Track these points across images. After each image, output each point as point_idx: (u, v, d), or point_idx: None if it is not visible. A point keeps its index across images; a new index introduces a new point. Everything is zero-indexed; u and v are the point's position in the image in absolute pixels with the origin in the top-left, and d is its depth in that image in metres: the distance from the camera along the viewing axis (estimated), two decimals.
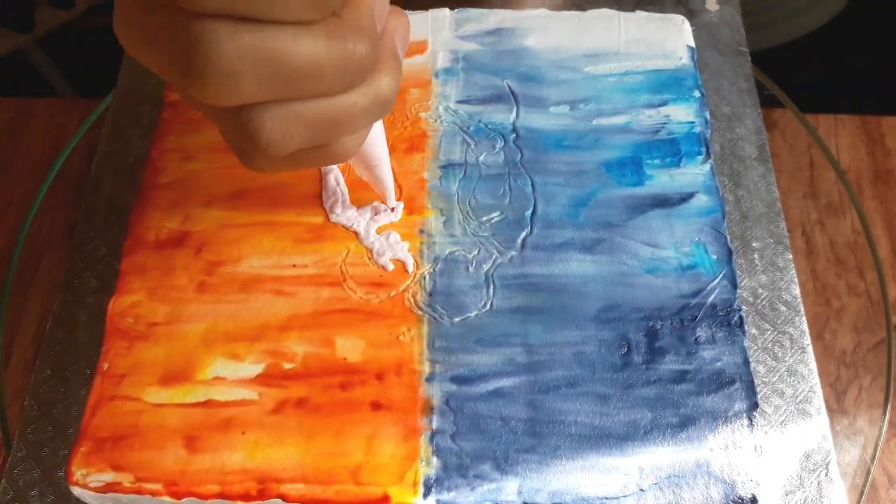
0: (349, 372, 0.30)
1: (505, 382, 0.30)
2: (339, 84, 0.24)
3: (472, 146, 0.36)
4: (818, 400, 0.35)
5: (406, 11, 0.40)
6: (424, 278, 0.33)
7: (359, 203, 0.34)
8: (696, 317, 0.31)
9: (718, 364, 0.30)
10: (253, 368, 0.30)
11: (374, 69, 0.25)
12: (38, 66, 0.70)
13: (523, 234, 0.34)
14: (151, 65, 0.23)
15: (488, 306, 0.32)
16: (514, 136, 0.36)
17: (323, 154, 0.26)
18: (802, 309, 0.37)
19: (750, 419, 0.29)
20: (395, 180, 0.35)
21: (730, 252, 0.33)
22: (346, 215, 0.34)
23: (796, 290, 0.38)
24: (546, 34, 0.39)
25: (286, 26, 0.22)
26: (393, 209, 0.34)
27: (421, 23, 0.40)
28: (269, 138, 0.24)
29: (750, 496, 0.28)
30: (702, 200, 0.34)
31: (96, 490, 0.28)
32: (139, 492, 0.28)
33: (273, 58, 0.22)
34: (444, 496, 0.28)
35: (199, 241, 0.33)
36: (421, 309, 0.32)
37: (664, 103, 0.37)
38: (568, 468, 0.28)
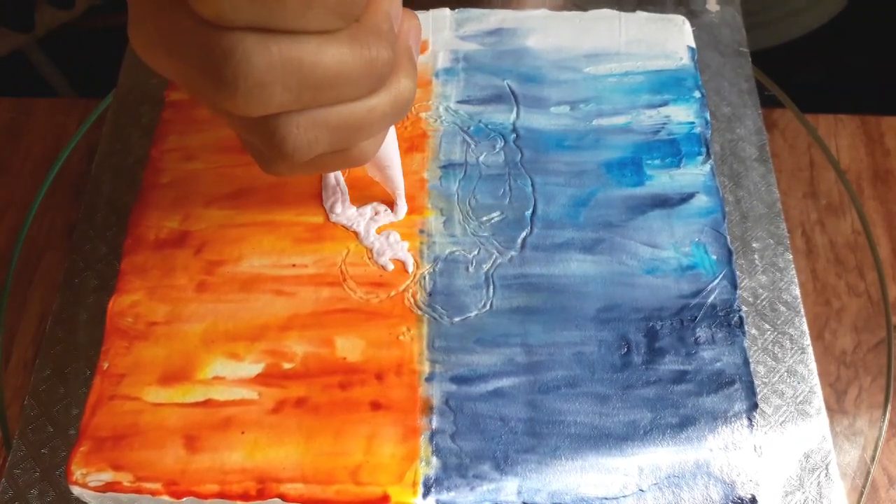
0: (349, 372, 0.30)
1: (505, 382, 0.30)
2: (364, 89, 0.24)
3: (473, 146, 0.36)
4: (818, 400, 0.35)
5: None
6: (424, 278, 0.33)
7: (359, 203, 0.34)
8: (696, 317, 0.31)
9: (718, 364, 0.30)
10: (252, 368, 0.30)
11: (392, 72, 0.25)
12: (38, 66, 0.70)
13: (523, 234, 0.34)
14: (171, 74, 0.23)
15: (488, 306, 0.32)
16: (514, 136, 0.36)
17: (342, 158, 0.27)
18: (802, 309, 0.37)
19: (749, 419, 0.29)
20: None
21: (730, 252, 0.33)
22: (346, 215, 0.34)
23: (796, 291, 0.38)
24: (546, 34, 0.39)
25: (311, 36, 0.22)
26: (398, 207, 0.34)
27: (421, 23, 0.40)
28: (294, 145, 0.24)
29: (749, 496, 0.28)
30: (702, 201, 0.34)
31: (96, 489, 0.28)
32: (139, 491, 0.28)
33: (301, 67, 0.22)
34: (444, 496, 0.28)
35: (199, 241, 0.33)
36: (421, 309, 0.32)
37: (664, 104, 0.37)
38: (567, 468, 0.28)
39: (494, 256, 0.33)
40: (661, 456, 0.29)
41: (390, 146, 0.31)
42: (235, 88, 0.21)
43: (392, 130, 0.31)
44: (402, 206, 0.34)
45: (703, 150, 0.36)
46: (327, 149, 0.25)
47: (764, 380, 0.35)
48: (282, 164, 0.26)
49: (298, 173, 0.27)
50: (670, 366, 0.30)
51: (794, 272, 0.38)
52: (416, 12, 0.39)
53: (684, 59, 0.38)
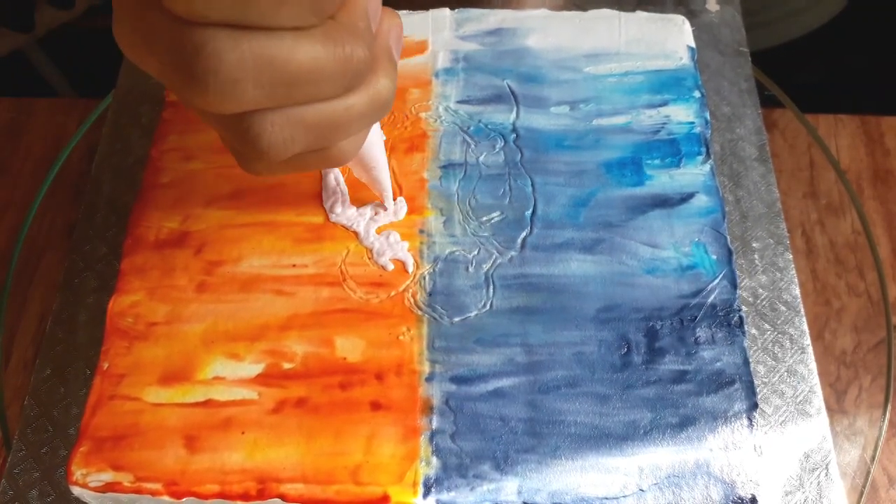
0: (349, 372, 0.30)
1: (505, 382, 0.30)
2: (339, 88, 0.24)
3: (473, 146, 0.36)
4: (818, 400, 0.35)
5: (407, 11, 0.40)
6: (424, 278, 0.33)
7: (359, 203, 0.34)
8: (696, 317, 0.31)
9: (718, 364, 0.30)
10: (252, 368, 0.30)
11: (370, 71, 0.25)
12: (38, 66, 0.70)
13: (523, 234, 0.34)
14: (152, 71, 0.23)
15: (488, 306, 0.32)
16: (514, 136, 0.36)
17: (322, 157, 0.26)
18: (802, 309, 0.37)
19: (750, 419, 0.29)
20: (395, 180, 0.35)
21: (730, 252, 0.33)
22: (346, 215, 0.34)
23: (796, 291, 0.38)
24: (546, 34, 0.39)
25: (284, 32, 0.22)
26: (386, 210, 0.34)
27: (421, 23, 0.40)
28: (269, 143, 0.24)
29: (749, 496, 0.28)
30: (702, 201, 0.34)
31: (96, 490, 0.28)
32: (139, 491, 0.28)
33: (273, 64, 0.22)
34: (444, 496, 0.28)
35: (199, 241, 0.33)
36: (421, 309, 0.32)
37: (664, 103, 0.37)
38: (568, 468, 0.28)
39: (494, 256, 0.33)
40: (661, 456, 0.29)
41: (376, 147, 0.31)
42: (206, 85, 0.21)
43: (377, 131, 0.31)
44: (391, 207, 0.34)
45: (703, 149, 0.36)
46: (304, 147, 0.25)
47: (764, 380, 0.35)
48: (258, 162, 0.26)
49: (278, 172, 0.27)
50: (670, 366, 0.30)
51: (794, 272, 0.38)
52: (415, 12, 0.40)
53: (684, 59, 0.38)
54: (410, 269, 0.33)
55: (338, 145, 0.26)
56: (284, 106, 0.23)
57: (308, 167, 0.27)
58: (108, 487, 0.28)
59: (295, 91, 0.23)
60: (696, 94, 0.37)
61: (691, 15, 0.45)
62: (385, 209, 0.34)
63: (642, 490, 0.28)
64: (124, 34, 0.23)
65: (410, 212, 0.34)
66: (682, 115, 0.37)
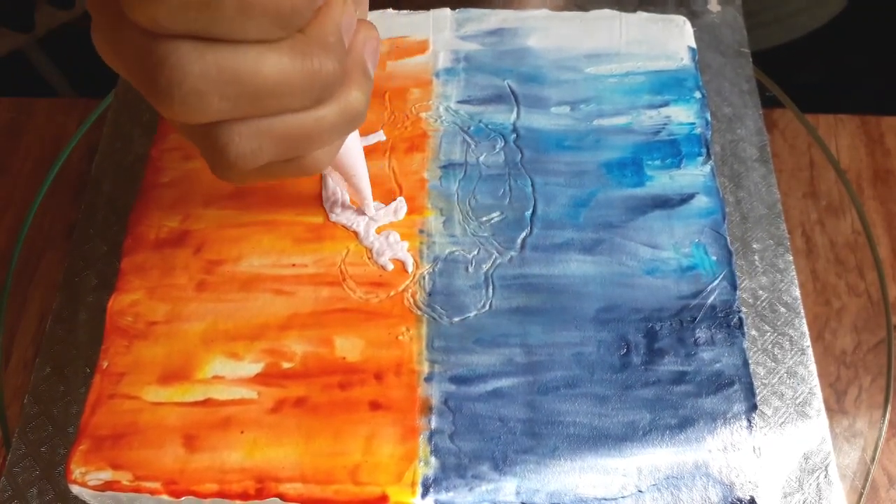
0: (348, 371, 0.30)
1: (504, 383, 0.30)
2: (307, 100, 0.24)
3: (473, 146, 0.36)
4: (817, 402, 0.35)
5: (408, 11, 0.40)
6: (424, 278, 0.33)
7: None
8: (696, 318, 0.31)
9: (718, 365, 0.30)
10: (252, 367, 0.30)
11: (342, 84, 0.25)
12: (38, 66, 0.70)
13: (523, 235, 0.34)
14: (127, 78, 0.24)
15: (488, 306, 0.32)
16: (514, 136, 0.36)
17: (295, 167, 0.26)
18: (802, 310, 0.37)
19: (749, 421, 0.29)
20: (395, 180, 0.35)
21: (730, 253, 0.33)
22: (346, 215, 0.34)
23: (796, 292, 0.38)
24: (547, 34, 0.39)
25: (250, 45, 0.22)
26: (373, 218, 0.34)
27: (422, 23, 0.40)
28: (237, 154, 0.24)
29: (748, 498, 0.28)
30: (702, 202, 0.34)
31: (95, 488, 0.28)
32: (138, 490, 0.28)
33: (238, 77, 0.22)
34: (443, 496, 0.28)
35: (198, 240, 0.33)
36: (420, 309, 0.32)
37: (665, 104, 0.37)
38: (566, 469, 0.28)
39: (494, 257, 0.33)
40: (659, 457, 0.29)
41: (354, 156, 0.31)
42: (171, 96, 0.22)
43: (356, 141, 0.31)
44: (373, 214, 0.34)
45: (704, 150, 0.36)
46: (274, 158, 0.25)
47: (763, 381, 0.35)
48: (229, 171, 0.26)
49: (254, 181, 0.27)
50: (670, 367, 0.30)
51: (794, 273, 0.38)
52: (416, 12, 0.40)
53: (685, 60, 0.38)
54: (410, 268, 0.33)
55: (311, 155, 0.26)
56: (252, 117, 0.23)
57: (282, 176, 0.27)
58: (107, 486, 0.28)
59: (262, 103, 0.23)
60: (697, 94, 0.37)
61: (692, 15, 0.45)
62: (386, 211, 0.34)
63: (641, 491, 0.28)
64: (100, 42, 0.23)
65: (410, 212, 0.34)
66: (682, 115, 0.37)
